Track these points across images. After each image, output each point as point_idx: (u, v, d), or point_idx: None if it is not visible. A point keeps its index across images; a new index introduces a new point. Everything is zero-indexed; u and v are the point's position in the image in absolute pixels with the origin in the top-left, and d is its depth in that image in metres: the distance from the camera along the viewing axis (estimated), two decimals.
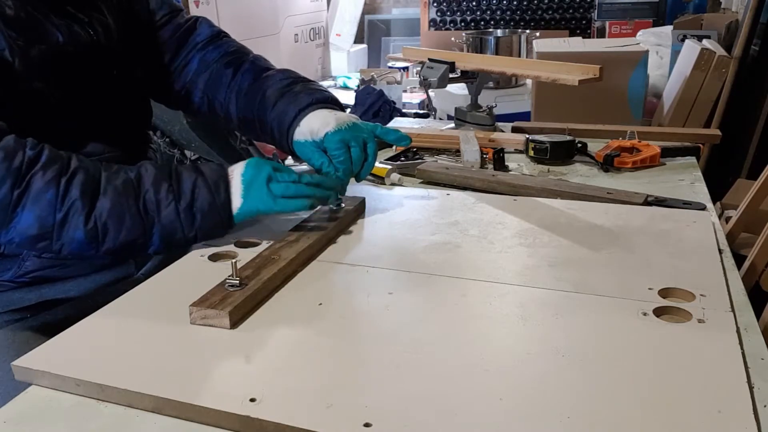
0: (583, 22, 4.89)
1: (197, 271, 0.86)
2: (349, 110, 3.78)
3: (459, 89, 2.22)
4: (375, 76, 4.77)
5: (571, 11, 4.98)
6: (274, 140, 1.05)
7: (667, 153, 1.34)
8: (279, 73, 1.07)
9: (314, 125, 0.99)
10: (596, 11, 4.14)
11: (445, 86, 1.64)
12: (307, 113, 1.00)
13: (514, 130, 1.55)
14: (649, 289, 0.78)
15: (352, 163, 0.98)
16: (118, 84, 0.97)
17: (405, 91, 4.43)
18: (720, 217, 1.61)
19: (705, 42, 2.66)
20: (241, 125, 1.09)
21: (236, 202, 0.88)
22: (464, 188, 1.19)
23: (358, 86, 4.48)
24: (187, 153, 2.72)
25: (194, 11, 4.77)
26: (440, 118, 2.85)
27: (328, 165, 0.98)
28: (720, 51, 2.53)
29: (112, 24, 0.96)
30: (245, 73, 1.07)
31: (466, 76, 1.65)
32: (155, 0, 1.09)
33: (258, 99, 1.04)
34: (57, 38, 0.86)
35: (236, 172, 0.89)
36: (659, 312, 0.73)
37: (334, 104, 1.03)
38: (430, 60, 1.64)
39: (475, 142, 1.37)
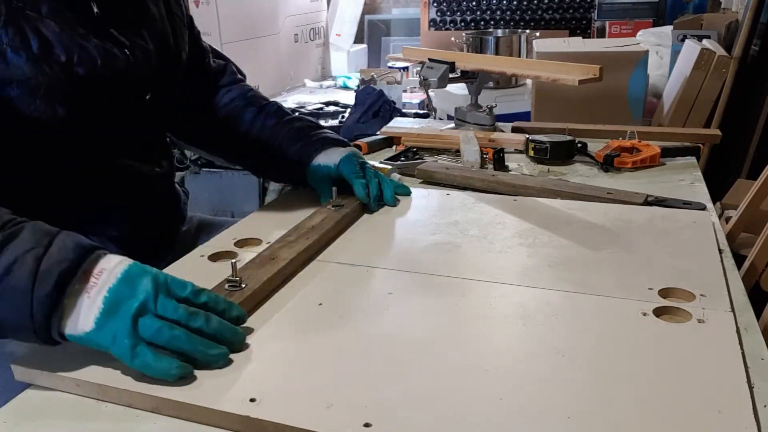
0: (583, 22, 4.89)
1: (197, 271, 0.86)
2: (349, 110, 3.78)
3: (459, 89, 2.22)
4: (375, 76, 4.77)
5: (571, 11, 4.98)
6: (291, 172, 1.11)
7: (667, 153, 1.34)
8: (301, 117, 1.15)
9: (331, 154, 1.07)
10: (596, 11, 4.14)
11: (445, 86, 1.64)
12: (327, 148, 1.08)
13: (514, 130, 1.55)
14: (649, 289, 0.78)
15: (369, 181, 1.05)
16: (149, 110, 0.96)
17: (405, 91, 4.43)
18: (720, 217, 1.61)
19: (705, 42, 2.66)
20: (254, 164, 1.16)
21: (86, 324, 0.62)
22: (464, 188, 1.19)
23: (358, 86, 4.49)
24: (188, 153, 2.72)
25: (194, 11, 4.77)
26: (440, 118, 2.85)
27: (357, 177, 1.04)
28: (720, 51, 2.53)
29: (153, 50, 0.94)
30: (268, 114, 1.12)
31: (466, 76, 1.65)
32: (190, 38, 1.10)
33: (281, 137, 1.09)
34: (96, 61, 0.83)
35: (105, 275, 0.63)
36: (659, 312, 0.73)
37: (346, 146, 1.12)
38: (430, 60, 1.64)
39: (475, 142, 1.37)
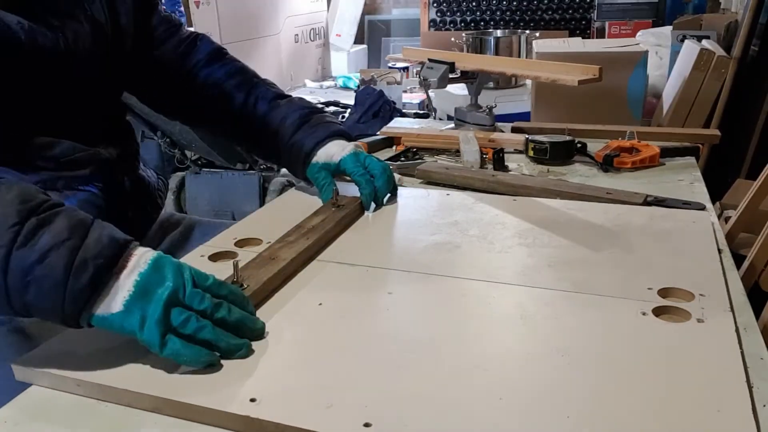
0: (583, 22, 4.89)
1: None
2: (349, 110, 3.78)
3: (459, 89, 2.22)
4: (375, 76, 4.77)
5: (570, 11, 4.98)
6: (287, 164, 1.10)
7: (667, 153, 1.34)
8: (292, 104, 1.11)
9: (331, 151, 1.06)
10: (596, 12, 4.14)
11: (445, 86, 1.64)
12: (324, 144, 1.06)
13: (514, 130, 1.55)
14: (649, 288, 0.78)
15: (374, 178, 1.05)
16: (90, 91, 0.96)
17: (405, 91, 4.43)
18: (719, 217, 1.61)
19: (704, 42, 2.67)
20: (250, 146, 1.15)
21: (113, 304, 0.63)
22: (464, 188, 1.19)
23: (358, 86, 4.49)
24: (188, 153, 2.72)
25: (194, 11, 4.77)
26: (440, 118, 2.85)
27: (360, 174, 1.04)
28: (719, 51, 2.53)
29: (89, 31, 0.93)
30: (259, 99, 1.09)
31: (466, 77, 1.65)
32: (157, 16, 1.10)
33: (273, 127, 1.08)
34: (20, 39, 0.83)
35: (134, 260, 0.65)
36: (659, 312, 0.73)
37: (347, 138, 1.10)
38: (430, 60, 1.64)
39: (475, 142, 1.37)
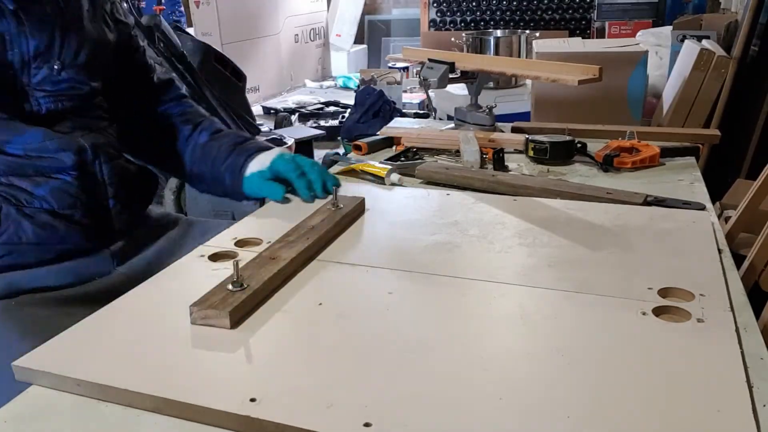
0: (583, 22, 4.89)
1: (197, 271, 0.86)
2: (349, 110, 3.78)
3: (459, 89, 2.22)
4: (375, 76, 4.77)
5: (570, 12, 4.98)
6: (226, 188, 1.15)
7: (667, 153, 1.34)
8: (230, 134, 1.19)
9: (262, 158, 1.12)
10: (596, 12, 4.14)
11: (445, 86, 1.64)
12: (254, 156, 1.13)
13: (514, 130, 1.55)
14: (649, 288, 0.78)
15: (305, 173, 1.09)
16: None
17: (405, 91, 4.43)
18: (719, 217, 1.61)
19: (704, 42, 2.67)
20: (191, 177, 1.20)
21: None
22: (464, 188, 1.19)
23: (358, 86, 4.48)
24: None
25: (194, 11, 4.77)
26: (440, 118, 2.85)
27: (292, 170, 1.09)
28: (719, 51, 2.53)
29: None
30: (202, 131, 1.17)
31: (466, 77, 1.65)
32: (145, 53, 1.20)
33: (213, 154, 1.15)
34: None
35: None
36: (659, 311, 0.73)
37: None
38: (430, 60, 1.64)
39: (475, 142, 1.37)
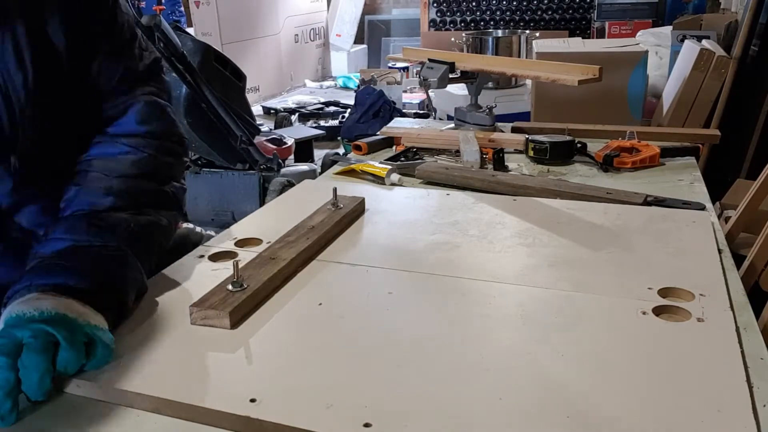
0: (583, 22, 4.89)
1: (197, 271, 0.86)
2: (349, 110, 3.79)
3: (459, 89, 2.22)
4: (375, 76, 4.78)
5: (570, 11, 4.98)
6: None
7: (667, 153, 1.34)
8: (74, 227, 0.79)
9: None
10: (596, 12, 4.14)
11: (445, 86, 1.64)
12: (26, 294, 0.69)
13: (514, 130, 1.55)
14: (649, 288, 0.78)
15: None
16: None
17: (405, 91, 4.43)
18: (719, 217, 1.61)
19: (704, 42, 2.67)
20: None
21: None
22: (464, 188, 1.19)
23: (358, 86, 4.49)
24: (188, 153, 2.72)
25: (194, 11, 4.78)
26: (440, 118, 2.85)
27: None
28: (719, 51, 2.53)
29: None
30: (69, 204, 0.82)
31: (466, 77, 1.65)
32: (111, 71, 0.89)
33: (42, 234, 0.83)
34: None
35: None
36: (659, 311, 0.73)
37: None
38: (430, 60, 1.64)
39: (475, 142, 1.37)
